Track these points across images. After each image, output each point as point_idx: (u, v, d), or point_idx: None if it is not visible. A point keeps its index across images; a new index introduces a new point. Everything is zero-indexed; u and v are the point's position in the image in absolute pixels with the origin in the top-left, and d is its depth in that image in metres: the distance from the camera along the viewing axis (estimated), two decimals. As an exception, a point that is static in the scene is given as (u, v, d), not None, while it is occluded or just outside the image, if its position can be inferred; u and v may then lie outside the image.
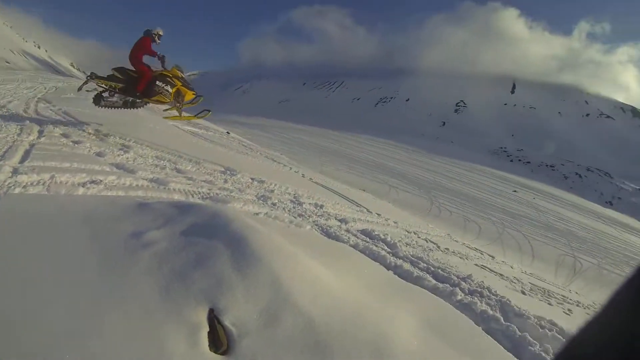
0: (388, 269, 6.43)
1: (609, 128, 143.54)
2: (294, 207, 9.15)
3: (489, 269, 11.67)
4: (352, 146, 59.97)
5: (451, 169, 59.95)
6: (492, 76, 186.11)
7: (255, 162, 17.33)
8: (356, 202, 14.99)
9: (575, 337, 0.47)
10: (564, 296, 12.29)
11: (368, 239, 8.61)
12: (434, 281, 6.76)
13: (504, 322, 5.77)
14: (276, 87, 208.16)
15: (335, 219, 9.66)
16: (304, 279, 3.58)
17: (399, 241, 9.68)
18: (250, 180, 10.87)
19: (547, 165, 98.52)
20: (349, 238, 7.88)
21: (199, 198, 7.42)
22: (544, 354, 5.18)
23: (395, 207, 23.69)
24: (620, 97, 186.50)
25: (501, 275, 11.38)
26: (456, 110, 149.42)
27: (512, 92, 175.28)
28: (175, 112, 11.71)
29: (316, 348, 2.93)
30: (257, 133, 52.41)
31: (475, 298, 6.58)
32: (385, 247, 8.32)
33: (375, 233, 9.23)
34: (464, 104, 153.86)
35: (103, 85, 10.79)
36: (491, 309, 6.32)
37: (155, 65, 10.91)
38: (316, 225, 8.18)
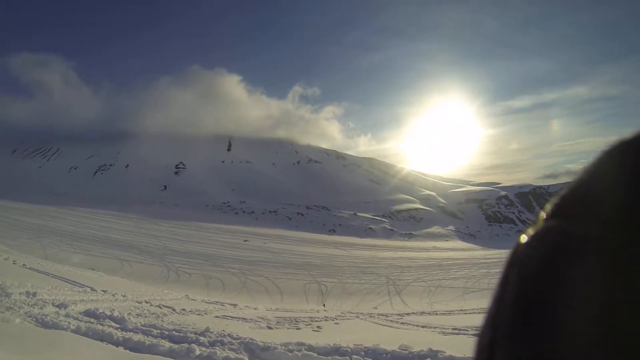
0: (117, 345, 5.93)
1: (319, 170, 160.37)
2: (0, 300, 7.82)
3: (230, 316, 11.76)
4: (74, 222, 54.84)
5: (180, 231, 59.27)
6: (210, 136, 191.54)
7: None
8: (79, 283, 13.68)
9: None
10: (311, 317, 13.11)
11: (92, 319, 7.92)
12: (169, 344, 6.49)
13: (249, 360, 5.76)
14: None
15: (53, 304, 8.64)
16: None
17: (129, 314, 9.12)
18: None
19: (270, 212, 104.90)
20: (69, 323, 7.10)
21: None
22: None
23: (128, 281, 22.36)
24: (326, 145, 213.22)
25: (244, 319, 11.57)
26: (176, 173, 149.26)
27: (229, 149, 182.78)
28: None
29: None
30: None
31: (216, 348, 6.50)
32: (113, 323, 7.76)
33: (100, 311, 8.53)
34: (184, 165, 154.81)
35: None
36: (235, 353, 6.32)
37: None
38: (29, 316, 7.20)
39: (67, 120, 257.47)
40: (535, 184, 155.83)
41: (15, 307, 7.60)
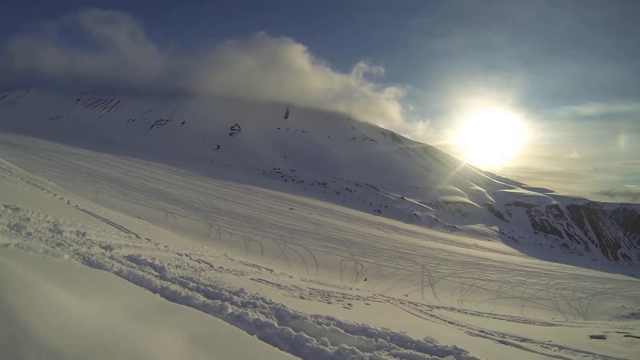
0: (154, 292, 6.19)
1: (372, 149, 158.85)
2: (52, 236, 8.28)
3: (265, 281, 11.99)
4: (126, 171, 56.79)
5: (227, 191, 60.28)
6: (268, 102, 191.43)
7: (13, 188, 15.26)
8: (125, 229, 14.21)
9: None
10: (344, 294, 13.29)
11: (134, 264, 8.23)
12: (203, 298, 6.72)
13: (278, 326, 5.95)
14: (48, 100, 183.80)
15: (100, 246, 9.03)
16: (46, 309, 3.19)
17: (168, 264, 9.44)
18: (3, 207, 9.52)
19: (319, 183, 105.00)
20: (112, 265, 7.40)
21: None
22: (322, 347, 5.51)
23: (172, 233, 23.06)
24: (384, 125, 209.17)
25: (278, 285, 11.80)
26: (231, 134, 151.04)
27: (286, 117, 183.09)
28: None
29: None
30: (22, 155, 46.17)
31: (248, 309, 6.69)
32: (153, 271, 8.05)
33: (143, 258, 8.86)
34: (239, 127, 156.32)
35: None
36: (266, 317, 6.48)
37: None
38: (77, 254, 7.51)
39: (131, 75, 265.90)
40: (590, 199, 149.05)
41: (65, 244, 7.99)
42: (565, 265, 67.99)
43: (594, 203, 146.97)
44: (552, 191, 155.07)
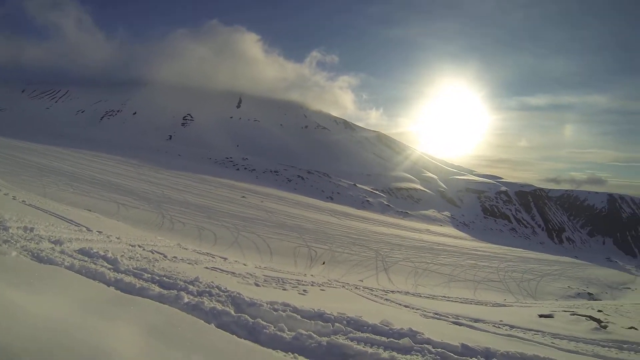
0: (108, 285, 6.10)
1: (325, 137, 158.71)
2: (-3, 234, 7.98)
3: (220, 269, 11.94)
4: (75, 164, 54.86)
5: (180, 181, 59.32)
6: (221, 91, 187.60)
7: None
8: (75, 222, 13.85)
9: None
10: (298, 280, 13.37)
11: (86, 258, 8.05)
12: (159, 289, 6.65)
13: (235, 314, 5.97)
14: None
15: (49, 241, 8.79)
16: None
17: (121, 256, 9.28)
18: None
19: (271, 171, 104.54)
20: (63, 259, 7.23)
21: None
22: (279, 333, 5.59)
23: (124, 224, 22.59)
24: (337, 113, 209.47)
25: (233, 273, 11.78)
26: (183, 124, 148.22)
27: (238, 106, 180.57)
28: None
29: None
30: (-38, 152, 44.49)
31: (204, 298, 6.68)
32: (105, 264, 7.90)
33: (94, 251, 8.67)
34: (191, 117, 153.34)
35: None
36: (222, 305, 6.50)
37: None
38: (25, 250, 7.34)
39: (79, 64, 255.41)
40: (536, 186, 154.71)
41: (13, 241, 7.78)
42: (514, 249, 70.42)
43: (541, 189, 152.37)
44: (501, 178, 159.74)
